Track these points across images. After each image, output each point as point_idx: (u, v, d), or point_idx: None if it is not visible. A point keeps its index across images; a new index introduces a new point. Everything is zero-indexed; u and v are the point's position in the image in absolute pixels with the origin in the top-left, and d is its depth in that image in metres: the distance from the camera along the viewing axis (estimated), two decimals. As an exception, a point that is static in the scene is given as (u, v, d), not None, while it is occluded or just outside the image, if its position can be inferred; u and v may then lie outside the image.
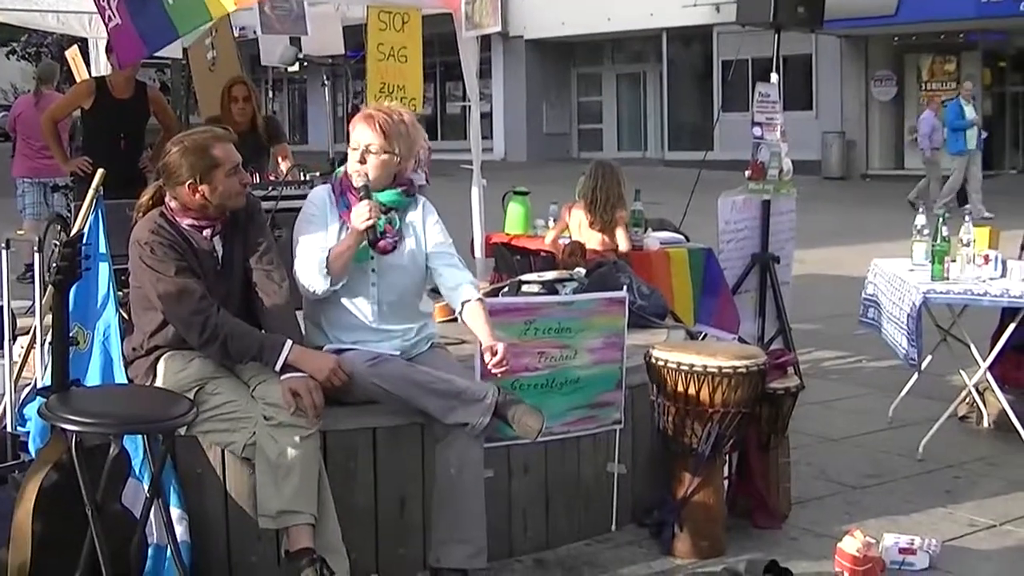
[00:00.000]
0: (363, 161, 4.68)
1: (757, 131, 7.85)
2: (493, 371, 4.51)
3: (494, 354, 4.49)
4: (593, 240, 7.28)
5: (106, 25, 5.19)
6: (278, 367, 4.33)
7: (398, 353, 4.71)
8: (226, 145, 4.51)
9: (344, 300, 4.72)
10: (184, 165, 4.43)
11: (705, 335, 6.73)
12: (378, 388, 4.53)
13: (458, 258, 4.91)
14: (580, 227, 7.39)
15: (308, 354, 4.43)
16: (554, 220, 8.00)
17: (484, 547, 4.54)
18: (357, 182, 4.69)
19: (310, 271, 4.61)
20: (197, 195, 4.45)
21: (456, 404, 4.46)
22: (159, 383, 4.48)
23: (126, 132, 7.81)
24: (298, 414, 4.26)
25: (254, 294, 4.58)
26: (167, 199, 4.54)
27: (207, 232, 4.53)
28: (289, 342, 4.37)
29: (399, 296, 4.79)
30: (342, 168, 4.87)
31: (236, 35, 9.89)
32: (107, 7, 5.11)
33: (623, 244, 7.33)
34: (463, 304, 4.71)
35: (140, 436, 4.26)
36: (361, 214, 4.59)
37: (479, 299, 4.74)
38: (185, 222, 4.51)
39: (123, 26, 5.11)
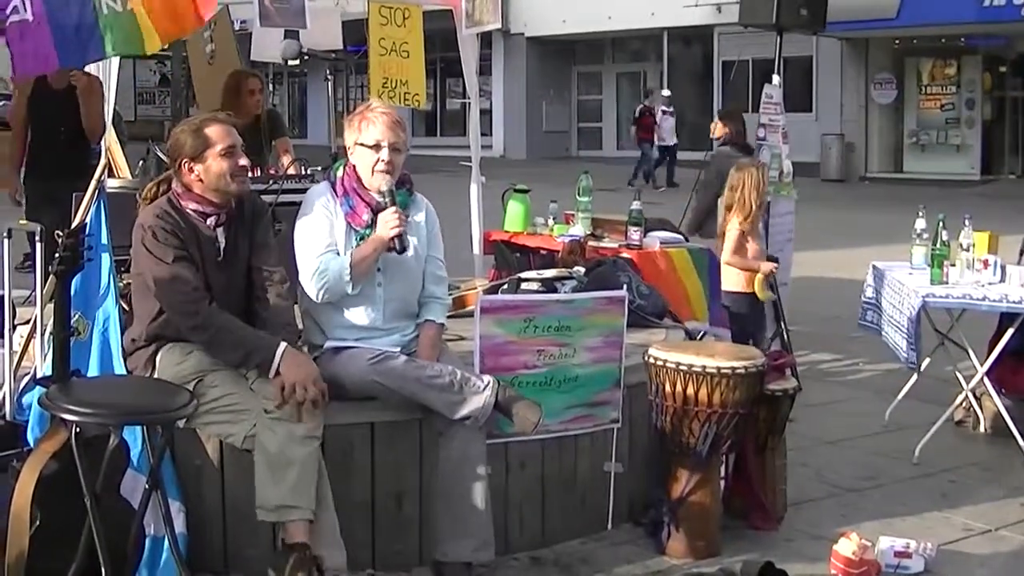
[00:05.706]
0: (386, 160, 4.64)
1: (761, 132, 7.84)
2: None
3: None
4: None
5: (4, 17, 4.36)
6: (271, 373, 4.31)
7: (398, 348, 4.71)
8: (222, 127, 4.52)
9: (350, 301, 4.69)
10: (182, 144, 4.48)
11: (704, 335, 6.71)
12: (380, 386, 4.53)
13: (443, 268, 4.95)
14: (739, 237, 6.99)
15: (296, 357, 4.36)
16: (554, 218, 7.96)
17: (490, 540, 4.54)
18: (384, 186, 4.65)
19: (330, 278, 4.59)
20: (193, 174, 4.47)
21: (460, 398, 4.47)
22: (158, 374, 4.48)
23: (64, 124, 7.56)
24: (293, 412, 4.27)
25: (254, 293, 4.59)
26: (173, 183, 4.56)
27: (211, 220, 4.53)
28: (283, 345, 4.34)
29: (403, 296, 4.80)
30: (339, 166, 4.81)
31: (236, 28, 9.86)
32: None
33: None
34: (426, 320, 4.83)
35: (139, 427, 4.27)
36: (389, 222, 4.59)
37: (441, 323, 4.87)
38: (190, 206, 4.51)
39: (34, 27, 4.39)
